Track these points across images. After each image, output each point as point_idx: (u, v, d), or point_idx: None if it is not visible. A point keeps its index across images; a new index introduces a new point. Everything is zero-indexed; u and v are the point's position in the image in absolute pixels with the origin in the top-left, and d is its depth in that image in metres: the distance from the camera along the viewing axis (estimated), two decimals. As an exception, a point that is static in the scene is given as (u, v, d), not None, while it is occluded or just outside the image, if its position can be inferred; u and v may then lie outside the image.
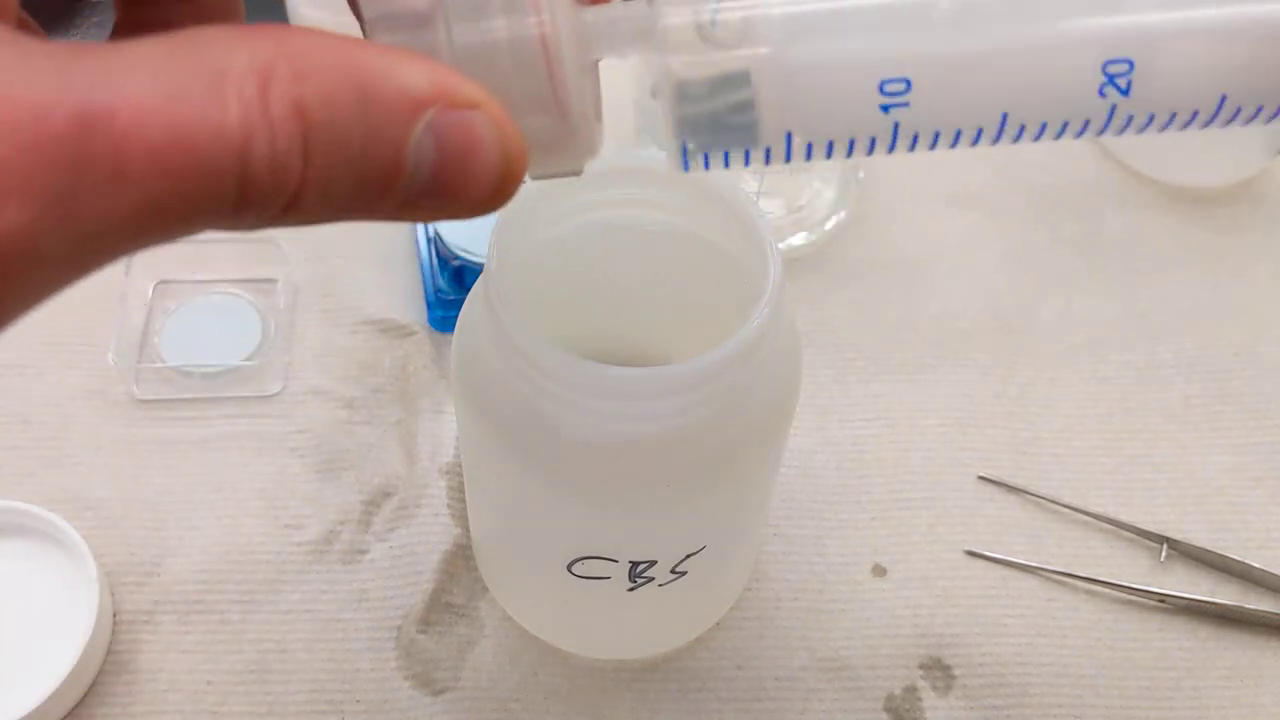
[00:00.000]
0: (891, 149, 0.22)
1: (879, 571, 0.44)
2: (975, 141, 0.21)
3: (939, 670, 0.42)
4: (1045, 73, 0.21)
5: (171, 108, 0.15)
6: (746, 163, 0.23)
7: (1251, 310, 0.53)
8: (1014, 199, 0.57)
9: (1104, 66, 0.21)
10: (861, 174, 0.55)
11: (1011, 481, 0.46)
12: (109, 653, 0.40)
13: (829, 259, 0.53)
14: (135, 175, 0.15)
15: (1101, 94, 0.21)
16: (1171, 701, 0.41)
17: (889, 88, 0.21)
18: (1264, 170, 0.58)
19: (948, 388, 0.49)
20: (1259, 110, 0.21)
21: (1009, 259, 0.54)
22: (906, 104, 0.21)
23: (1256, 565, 0.44)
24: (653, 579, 0.35)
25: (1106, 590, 0.44)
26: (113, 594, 0.41)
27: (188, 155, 0.15)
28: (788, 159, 0.22)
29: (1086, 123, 0.21)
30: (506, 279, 0.29)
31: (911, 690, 0.41)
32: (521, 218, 0.31)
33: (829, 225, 0.54)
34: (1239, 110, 0.21)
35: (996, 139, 0.21)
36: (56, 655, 0.38)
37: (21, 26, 0.17)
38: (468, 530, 0.43)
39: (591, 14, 0.21)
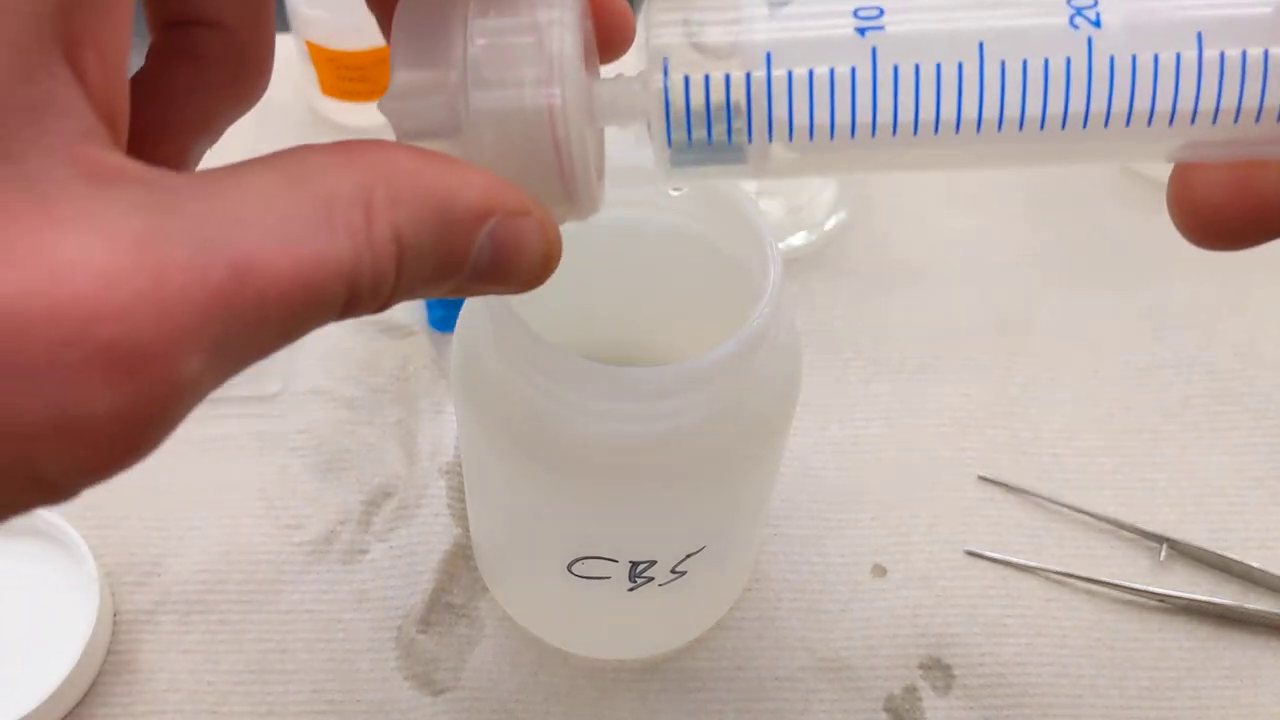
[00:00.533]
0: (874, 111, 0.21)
1: (879, 571, 0.44)
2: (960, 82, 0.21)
3: (939, 670, 0.42)
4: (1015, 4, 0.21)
5: (295, 252, 0.18)
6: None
7: (1251, 310, 0.53)
8: (1014, 199, 0.57)
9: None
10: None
11: (1011, 481, 0.46)
12: (109, 653, 0.40)
13: (829, 259, 0.54)
14: (273, 316, 0.18)
15: (1073, 25, 0.21)
16: (1171, 701, 0.41)
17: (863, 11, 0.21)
18: (1264, 170, 0.58)
19: (948, 388, 0.49)
20: (1243, 57, 0.21)
21: (1009, 259, 0.54)
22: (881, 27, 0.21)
23: (1256, 565, 0.44)
24: (653, 579, 0.35)
25: (1106, 590, 0.44)
26: (113, 594, 0.41)
27: (310, 291, 0.18)
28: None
29: (1069, 60, 0.21)
30: (506, 279, 0.29)
31: (911, 690, 0.41)
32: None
33: (829, 225, 0.54)
34: (1223, 54, 0.20)
35: (980, 77, 0.21)
36: (56, 655, 0.38)
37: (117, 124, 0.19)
38: (468, 530, 0.43)
39: (601, 87, 0.23)
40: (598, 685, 0.41)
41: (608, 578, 0.34)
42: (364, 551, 0.43)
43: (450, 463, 0.45)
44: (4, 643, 0.39)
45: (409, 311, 0.50)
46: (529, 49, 0.21)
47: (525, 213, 0.21)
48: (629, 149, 0.31)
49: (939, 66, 0.21)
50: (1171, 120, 0.21)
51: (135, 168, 0.18)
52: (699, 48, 0.21)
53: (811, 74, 0.21)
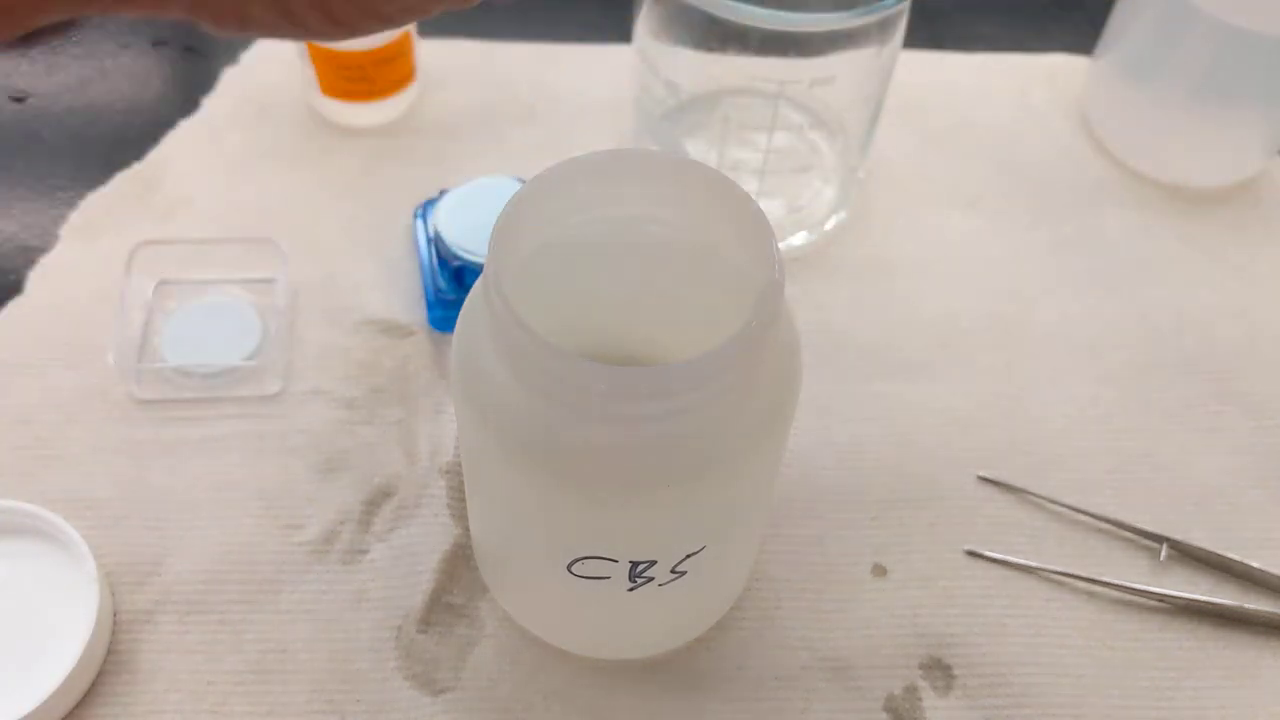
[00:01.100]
0: None
1: (879, 571, 0.44)
2: None
3: (939, 670, 0.42)
4: None
5: None
6: None
7: (1251, 310, 0.53)
8: (1014, 199, 0.57)
9: None
10: (861, 174, 0.55)
11: (1011, 481, 0.46)
12: (109, 653, 0.40)
13: (829, 259, 0.54)
14: None
15: None
16: (1171, 701, 0.41)
17: None
18: (1264, 170, 0.58)
19: (948, 388, 0.49)
20: None
21: (1009, 259, 0.54)
22: None
23: (1256, 565, 0.44)
24: (653, 579, 0.35)
25: (1106, 590, 0.44)
26: (113, 594, 0.41)
27: None
28: None
29: None
30: (506, 279, 0.29)
31: (911, 690, 0.41)
32: (522, 218, 0.31)
33: (829, 225, 0.54)
34: None
35: None
36: (56, 655, 0.38)
37: None
38: (468, 530, 0.43)
39: None
40: (598, 685, 0.41)
41: (608, 578, 0.34)
42: (364, 551, 0.43)
43: (450, 463, 0.45)
44: (4, 643, 0.39)
45: (409, 311, 0.50)
46: None
47: None
48: (631, 145, 0.31)
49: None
50: None
51: None
52: None
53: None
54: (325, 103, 0.56)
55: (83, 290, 0.50)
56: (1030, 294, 0.53)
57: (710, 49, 0.48)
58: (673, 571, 0.35)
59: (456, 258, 0.48)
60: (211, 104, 0.58)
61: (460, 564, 0.43)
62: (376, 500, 0.44)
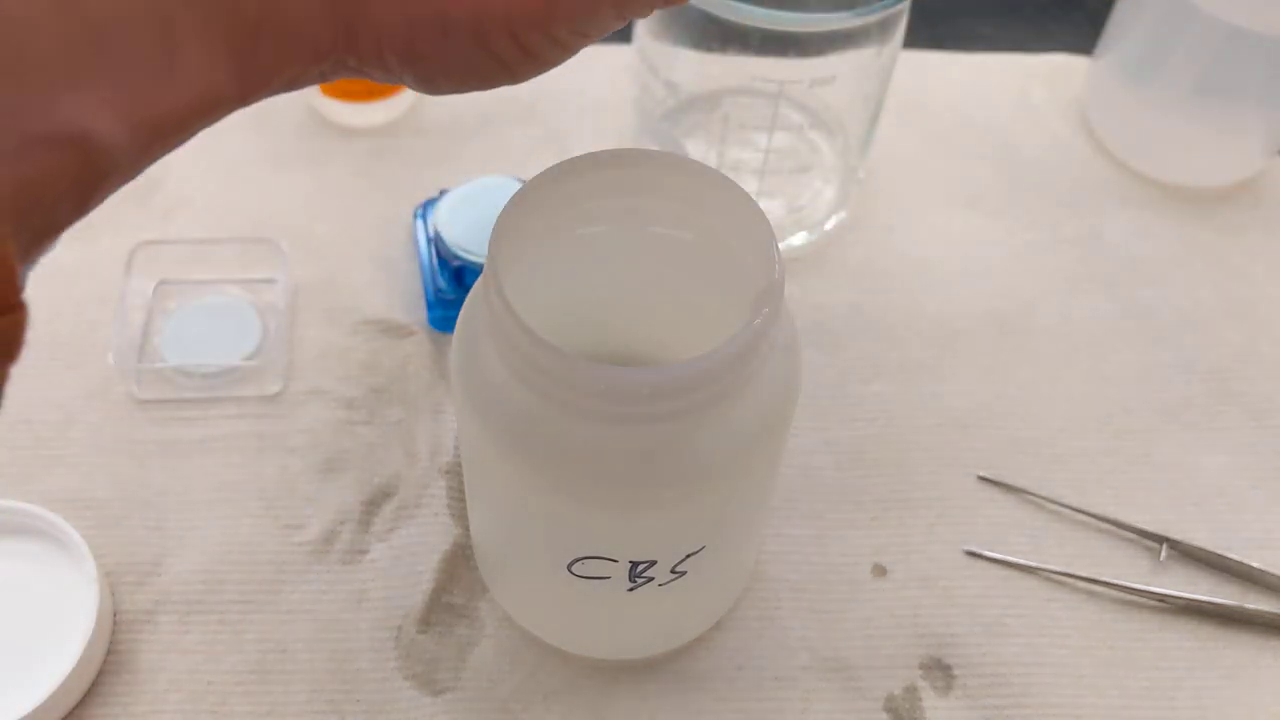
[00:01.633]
0: None
1: (879, 571, 0.44)
2: None
3: (939, 670, 0.42)
4: None
5: None
6: None
7: (1251, 310, 0.53)
8: (1014, 199, 0.57)
9: None
10: (861, 174, 0.55)
11: (1011, 481, 0.46)
12: (109, 653, 0.40)
13: (829, 259, 0.54)
14: None
15: None
16: (1171, 701, 0.41)
17: None
18: (1264, 170, 0.58)
19: (948, 388, 0.49)
20: None
21: (1009, 259, 0.54)
22: None
23: (1256, 565, 0.44)
24: (653, 579, 0.35)
25: (1106, 590, 0.44)
26: (113, 594, 0.41)
27: None
28: None
29: None
30: (506, 279, 0.29)
31: (911, 690, 0.41)
32: (522, 218, 0.31)
33: (829, 225, 0.54)
34: None
35: None
36: (56, 655, 0.38)
37: None
38: (468, 530, 0.43)
39: None
40: (597, 685, 0.41)
41: (608, 578, 0.34)
42: (364, 551, 0.43)
43: (450, 463, 0.45)
44: (4, 643, 0.39)
45: (409, 311, 0.50)
46: None
47: None
48: (631, 145, 0.31)
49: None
50: None
51: None
52: None
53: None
54: (325, 103, 0.56)
55: (83, 290, 0.49)
56: (1030, 294, 0.53)
57: (710, 49, 0.48)
58: (673, 571, 0.35)
59: (456, 258, 0.48)
60: (211, 104, 0.58)
61: (460, 564, 0.43)
62: (376, 500, 0.44)
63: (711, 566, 0.36)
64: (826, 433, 0.47)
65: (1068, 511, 0.46)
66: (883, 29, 0.47)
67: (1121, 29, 0.57)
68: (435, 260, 0.49)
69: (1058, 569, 0.44)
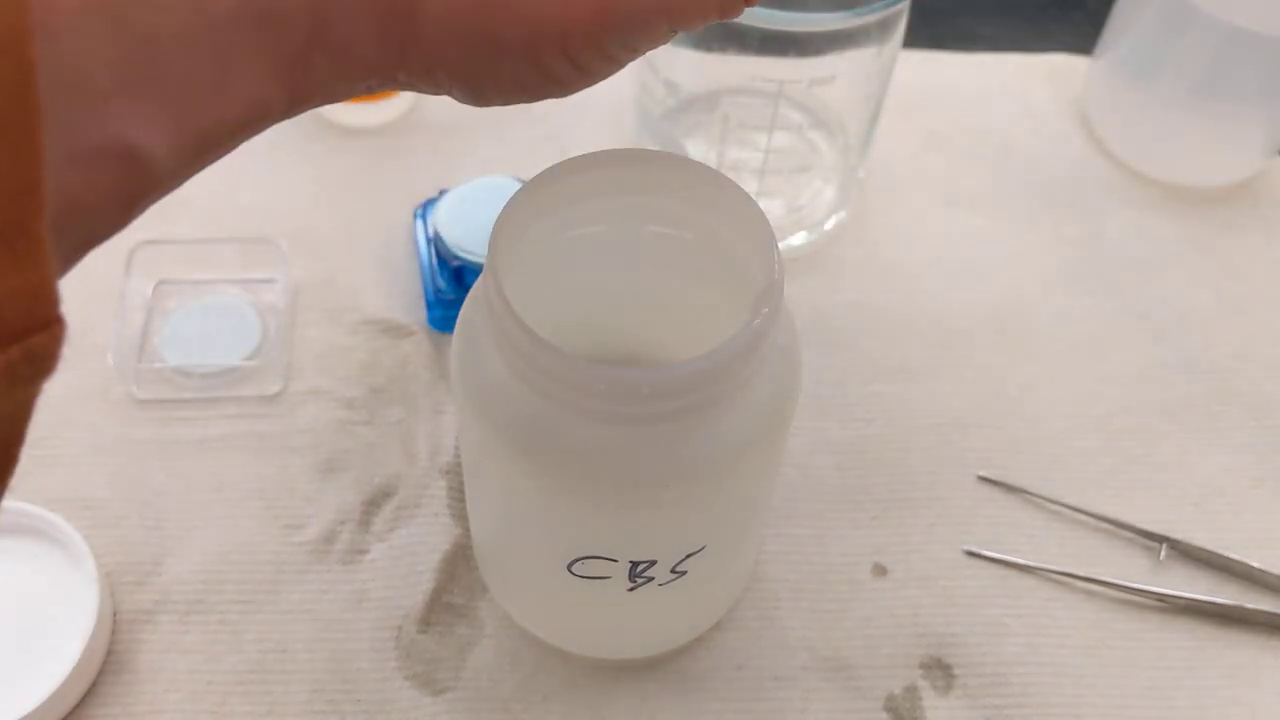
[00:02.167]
0: None
1: (879, 571, 0.44)
2: None
3: (939, 670, 0.42)
4: None
5: None
6: None
7: (1251, 310, 0.53)
8: (1014, 199, 0.57)
9: None
10: (862, 174, 0.55)
11: (1011, 481, 0.46)
12: (109, 653, 0.40)
13: (829, 259, 0.54)
14: None
15: None
16: (1171, 701, 0.41)
17: None
18: (1264, 170, 0.58)
19: (948, 388, 0.49)
20: None
21: (1009, 259, 0.54)
22: None
23: (1256, 565, 0.44)
24: (653, 579, 0.35)
25: (1106, 590, 0.44)
26: (113, 594, 0.41)
27: None
28: None
29: None
30: (506, 279, 0.29)
31: (911, 690, 0.41)
32: (522, 218, 0.31)
33: (829, 225, 0.54)
34: None
35: None
36: (56, 655, 0.38)
37: None
38: (468, 530, 0.43)
39: None
40: (598, 685, 0.41)
41: (608, 578, 0.34)
42: (364, 551, 0.43)
43: (450, 463, 0.45)
44: (4, 643, 0.39)
45: (409, 311, 0.50)
46: None
47: None
48: (631, 145, 0.31)
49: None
50: None
51: None
52: None
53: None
54: (325, 103, 0.56)
55: (82, 290, 0.49)
56: (1030, 294, 0.53)
57: (710, 48, 0.48)
58: (673, 571, 0.35)
59: (456, 258, 0.48)
60: (211, 104, 0.58)
61: (460, 564, 0.43)
62: (376, 500, 0.44)
63: (711, 566, 0.36)
64: (826, 433, 0.47)
65: (1067, 511, 0.46)
66: (882, 29, 0.47)
67: (1121, 29, 0.57)
68: (435, 260, 0.49)
69: (1057, 569, 0.44)
